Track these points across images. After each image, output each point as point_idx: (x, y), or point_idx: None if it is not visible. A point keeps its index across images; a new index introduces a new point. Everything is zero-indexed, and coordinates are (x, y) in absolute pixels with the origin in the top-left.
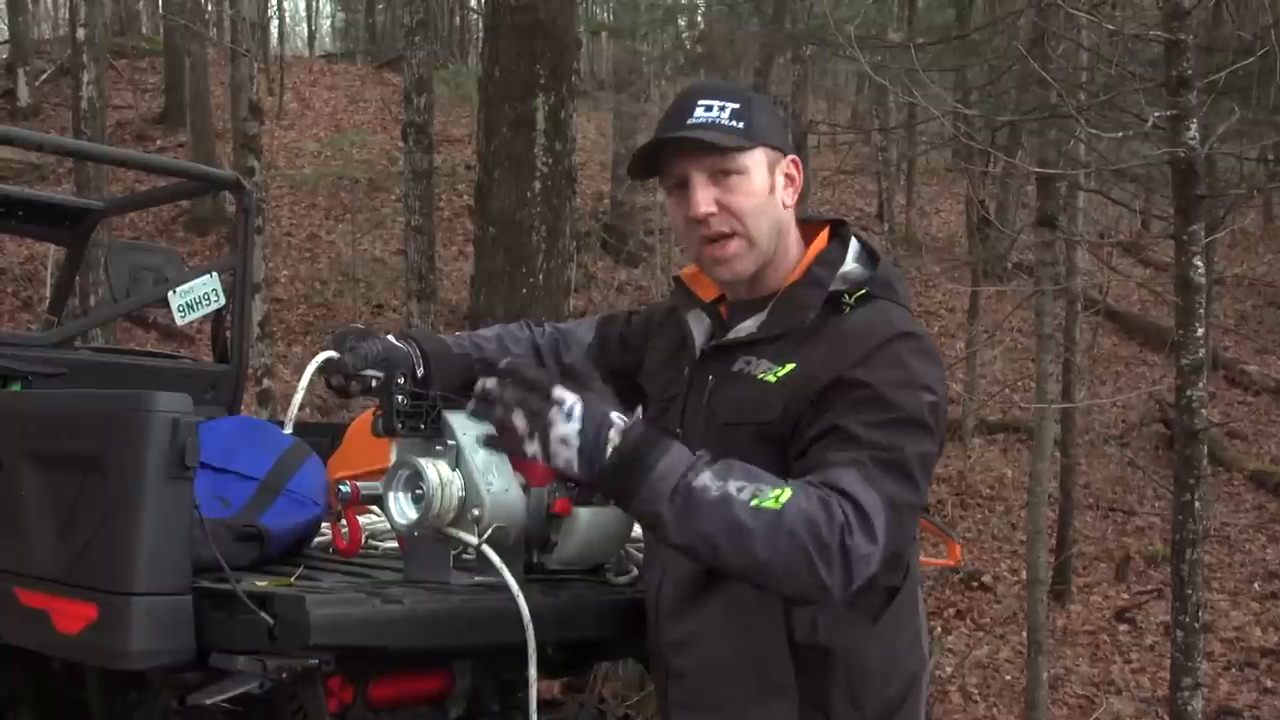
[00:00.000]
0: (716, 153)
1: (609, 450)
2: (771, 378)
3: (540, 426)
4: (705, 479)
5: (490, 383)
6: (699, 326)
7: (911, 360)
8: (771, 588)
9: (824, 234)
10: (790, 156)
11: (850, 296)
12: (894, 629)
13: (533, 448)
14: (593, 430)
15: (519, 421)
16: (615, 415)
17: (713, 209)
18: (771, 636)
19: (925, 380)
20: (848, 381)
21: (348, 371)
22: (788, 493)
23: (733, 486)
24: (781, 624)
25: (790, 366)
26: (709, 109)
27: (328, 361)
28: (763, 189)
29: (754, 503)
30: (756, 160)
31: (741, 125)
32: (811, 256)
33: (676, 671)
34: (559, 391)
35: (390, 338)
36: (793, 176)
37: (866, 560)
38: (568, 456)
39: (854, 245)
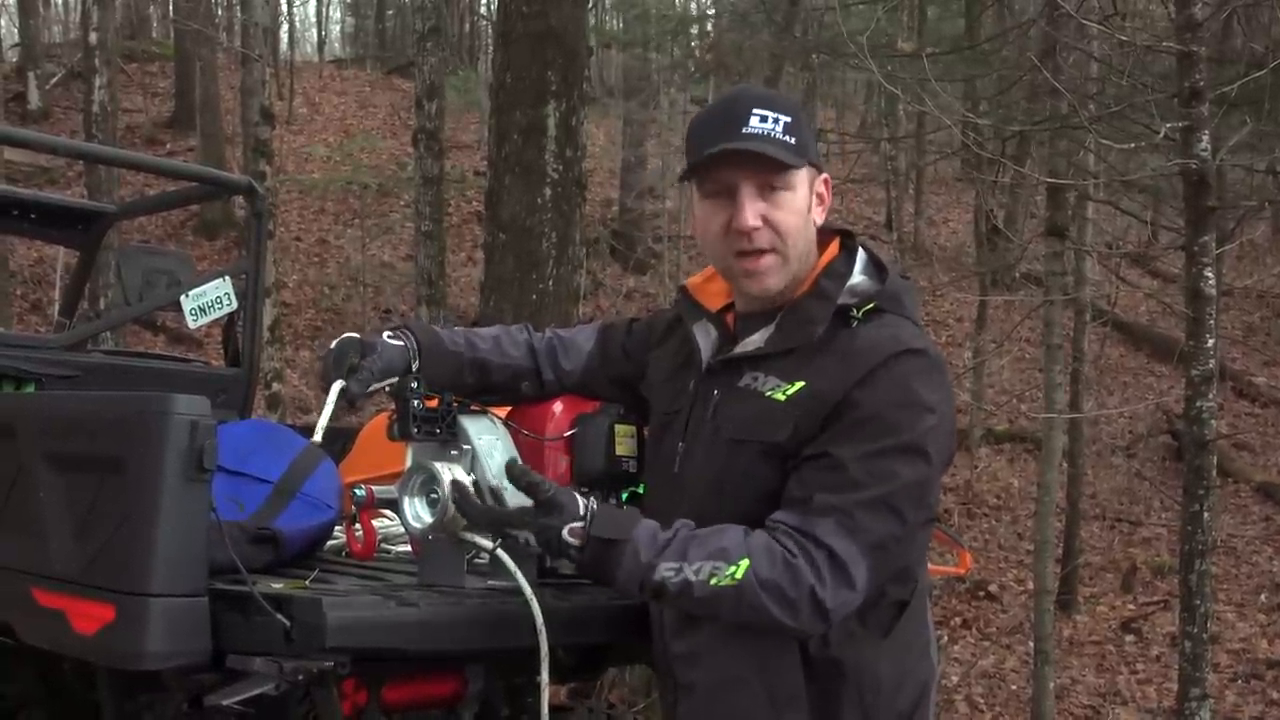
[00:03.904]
0: (772, 168)
1: (573, 553)
2: (781, 396)
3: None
4: (664, 572)
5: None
6: (705, 339)
7: (914, 379)
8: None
9: (834, 245)
10: (824, 175)
11: (858, 310)
12: (904, 640)
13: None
14: (548, 548)
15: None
16: (566, 531)
17: (759, 224)
18: (782, 649)
19: (928, 401)
20: (849, 401)
21: (353, 398)
22: (744, 565)
23: (690, 571)
24: (795, 639)
25: (800, 385)
26: (764, 119)
27: (342, 391)
28: (804, 208)
29: (712, 582)
30: (802, 179)
31: (794, 141)
32: (819, 268)
33: (686, 685)
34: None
35: (385, 335)
36: (822, 195)
37: (844, 605)
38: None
39: (861, 256)
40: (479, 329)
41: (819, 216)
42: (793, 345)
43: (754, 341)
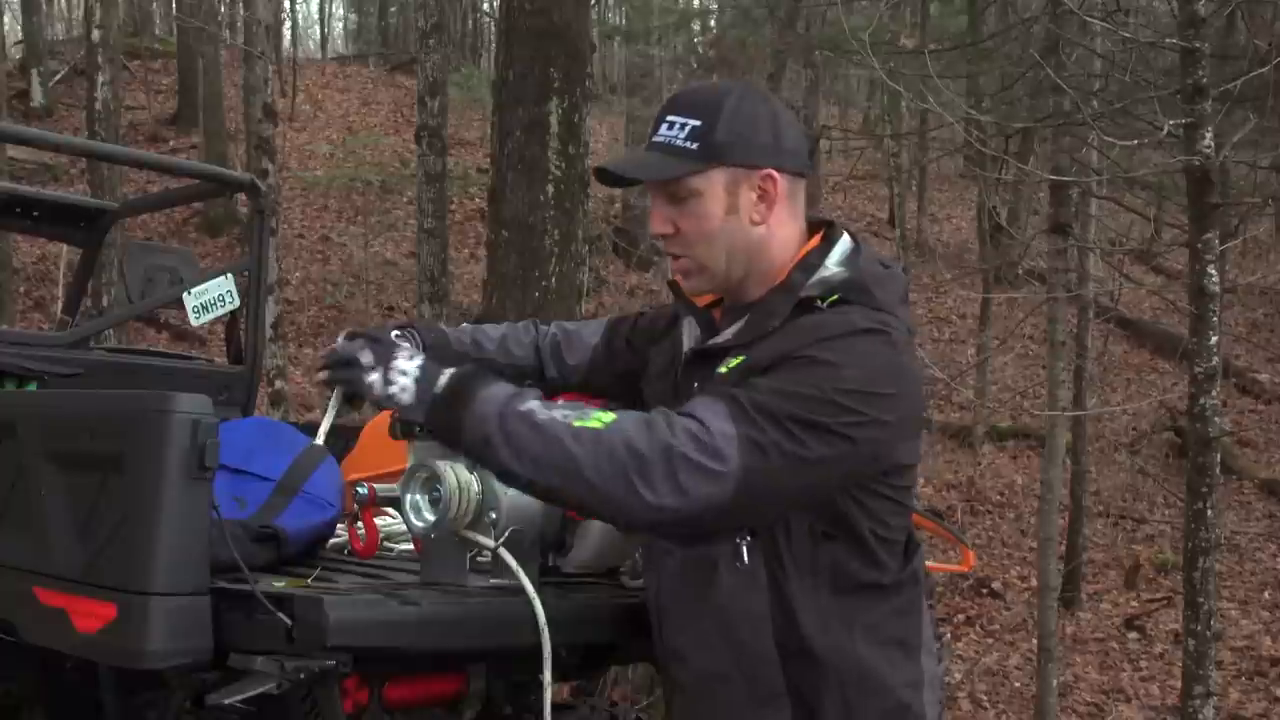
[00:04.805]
0: (656, 180)
1: (439, 384)
2: (724, 369)
3: (385, 360)
4: (532, 404)
5: (340, 340)
6: (690, 335)
7: (854, 350)
8: (609, 511)
9: (816, 237)
10: (764, 170)
11: (823, 301)
12: (890, 636)
13: (373, 376)
14: (432, 369)
15: (364, 356)
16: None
17: (667, 229)
18: (759, 644)
19: (861, 373)
20: (784, 355)
21: (352, 396)
22: (611, 416)
23: (558, 413)
24: (768, 631)
25: (742, 358)
26: (670, 126)
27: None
28: (717, 211)
29: (577, 424)
30: (711, 181)
31: (695, 146)
32: (795, 262)
33: (679, 683)
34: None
35: (394, 335)
36: (767, 191)
37: (702, 473)
38: (404, 384)
39: (840, 247)
40: (485, 326)
41: (759, 215)
42: (756, 337)
43: (726, 335)
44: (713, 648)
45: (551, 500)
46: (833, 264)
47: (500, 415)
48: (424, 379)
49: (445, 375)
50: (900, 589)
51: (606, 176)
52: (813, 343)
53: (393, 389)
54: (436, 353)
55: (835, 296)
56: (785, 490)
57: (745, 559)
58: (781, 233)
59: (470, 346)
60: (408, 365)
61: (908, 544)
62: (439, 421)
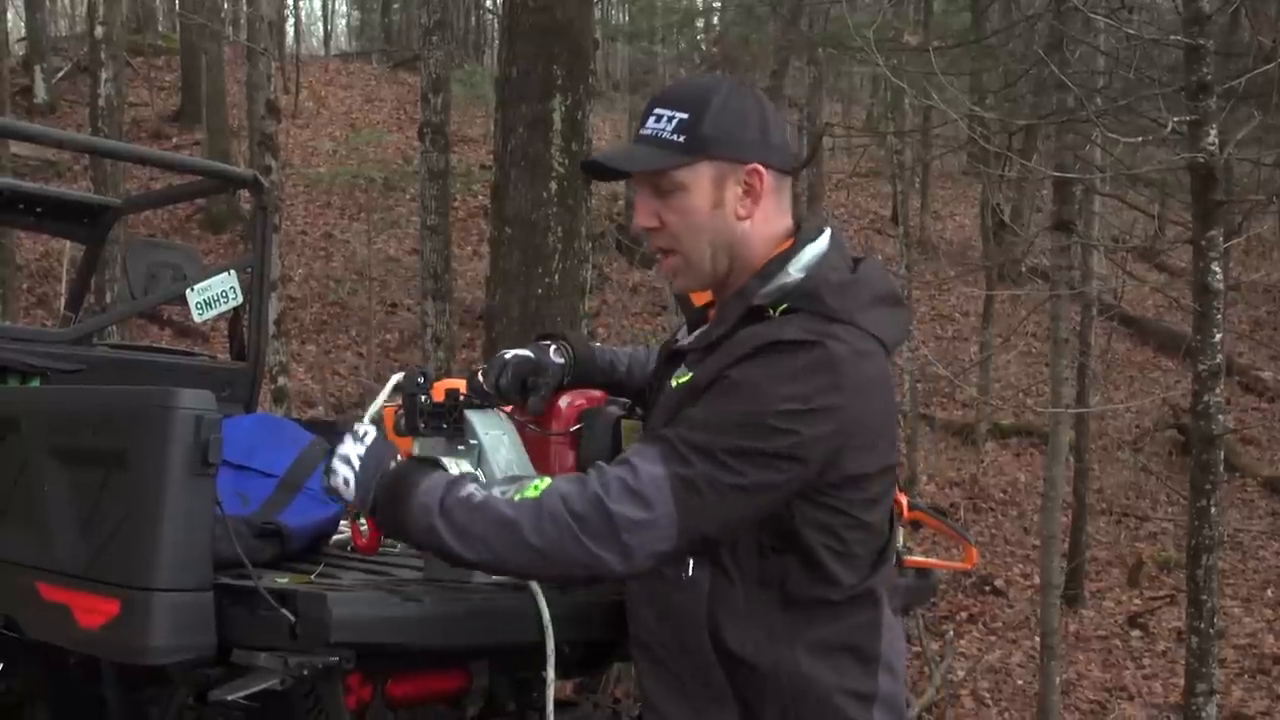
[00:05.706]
0: (642, 173)
1: (377, 483)
2: (675, 383)
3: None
4: (470, 489)
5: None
6: (682, 336)
7: (785, 366)
8: (561, 574)
9: (789, 241)
10: (750, 165)
11: (774, 310)
12: (839, 646)
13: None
14: (374, 460)
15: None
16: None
17: (653, 223)
18: (703, 651)
19: (792, 390)
20: (712, 380)
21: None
22: (546, 481)
23: (496, 490)
24: (704, 630)
25: (689, 375)
26: (658, 119)
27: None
28: (703, 205)
29: (515, 497)
30: (698, 175)
31: (683, 139)
32: (761, 266)
33: (642, 678)
34: (358, 426)
35: (542, 342)
36: (753, 186)
37: (639, 526)
38: (346, 475)
39: (809, 251)
40: (617, 349)
41: (744, 209)
42: (707, 344)
43: (690, 338)
44: (668, 649)
45: (509, 576)
46: (795, 270)
47: (441, 503)
48: (367, 470)
49: (382, 474)
50: (856, 604)
51: (593, 168)
52: (735, 361)
53: (335, 481)
54: (581, 366)
55: (785, 305)
56: (731, 520)
57: (690, 570)
58: (766, 229)
59: (608, 366)
60: (350, 451)
61: (879, 556)
62: (385, 514)
